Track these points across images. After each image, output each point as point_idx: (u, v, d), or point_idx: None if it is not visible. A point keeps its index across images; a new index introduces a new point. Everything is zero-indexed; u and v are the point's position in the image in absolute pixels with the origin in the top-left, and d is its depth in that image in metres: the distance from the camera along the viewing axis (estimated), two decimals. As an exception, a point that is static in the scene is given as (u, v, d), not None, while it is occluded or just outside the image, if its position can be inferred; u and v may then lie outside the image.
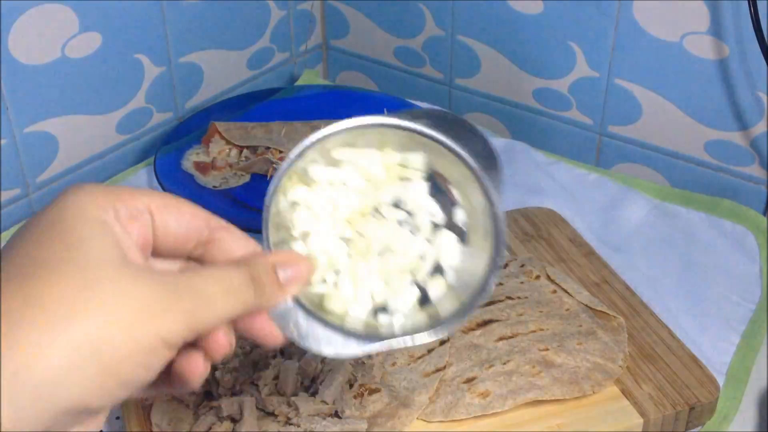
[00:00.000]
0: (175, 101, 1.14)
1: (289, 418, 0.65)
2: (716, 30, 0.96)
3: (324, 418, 0.65)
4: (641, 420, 0.68)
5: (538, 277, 0.82)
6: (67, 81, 1.00)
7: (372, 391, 0.68)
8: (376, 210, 0.55)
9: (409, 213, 0.55)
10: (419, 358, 0.72)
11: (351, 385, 0.69)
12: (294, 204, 0.54)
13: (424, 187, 0.55)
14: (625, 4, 1.01)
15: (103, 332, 0.40)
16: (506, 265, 0.83)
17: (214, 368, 0.69)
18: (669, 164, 1.07)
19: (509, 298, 0.79)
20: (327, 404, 0.66)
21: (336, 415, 0.66)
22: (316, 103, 1.16)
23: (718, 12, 0.95)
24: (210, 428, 0.65)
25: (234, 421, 0.65)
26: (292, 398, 0.66)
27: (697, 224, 0.97)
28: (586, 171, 1.05)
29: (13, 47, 0.93)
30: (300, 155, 0.52)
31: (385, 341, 0.51)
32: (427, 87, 1.24)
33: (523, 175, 1.04)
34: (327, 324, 0.51)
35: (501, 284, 0.80)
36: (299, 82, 1.25)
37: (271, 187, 0.52)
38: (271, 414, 0.66)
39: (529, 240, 0.89)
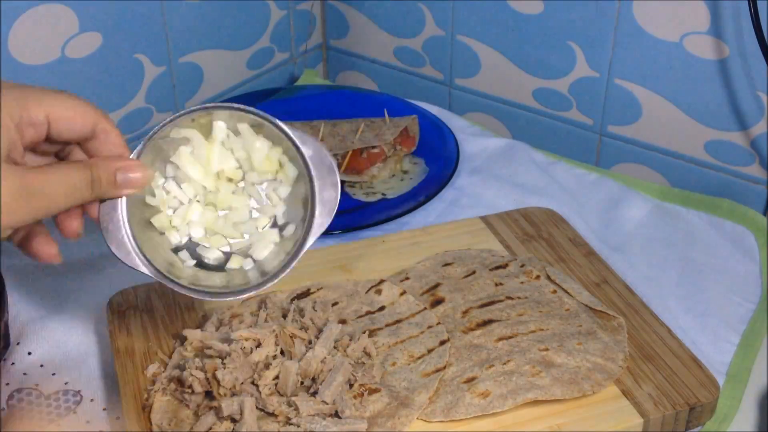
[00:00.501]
0: (175, 101, 1.14)
1: (289, 418, 0.65)
2: (716, 30, 0.96)
3: (324, 418, 0.65)
4: (641, 420, 0.68)
5: (538, 277, 0.82)
6: (67, 81, 1.00)
7: (372, 391, 0.68)
8: (242, 182, 0.69)
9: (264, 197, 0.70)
10: (419, 358, 0.72)
11: (351, 385, 0.69)
12: (184, 139, 0.67)
13: (286, 190, 0.69)
14: (625, 4, 1.01)
15: None
16: (506, 265, 0.83)
17: (214, 368, 0.69)
18: (669, 164, 1.07)
19: (509, 298, 0.79)
20: (327, 404, 0.66)
21: (336, 415, 0.66)
22: (316, 103, 1.16)
23: (718, 12, 0.95)
24: (210, 428, 0.65)
25: (234, 421, 0.65)
26: (292, 398, 0.66)
27: (697, 224, 0.97)
28: (586, 171, 1.05)
29: (13, 47, 0.93)
30: (214, 108, 0.66)
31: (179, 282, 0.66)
32: (427, 87, 1.24)
33: (523, 175, 1.04)
34: (134, 238, 0.65)
35: (501, 284, 0.81)
36: (299, 82, 1.26)
37: (176, 115, 0.65)
38: (271, 414, 0.66)
39: (529, 240, 0.89)
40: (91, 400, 0.75)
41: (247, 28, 1.19)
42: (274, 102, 1.16)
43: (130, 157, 0.64)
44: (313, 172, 0.66)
